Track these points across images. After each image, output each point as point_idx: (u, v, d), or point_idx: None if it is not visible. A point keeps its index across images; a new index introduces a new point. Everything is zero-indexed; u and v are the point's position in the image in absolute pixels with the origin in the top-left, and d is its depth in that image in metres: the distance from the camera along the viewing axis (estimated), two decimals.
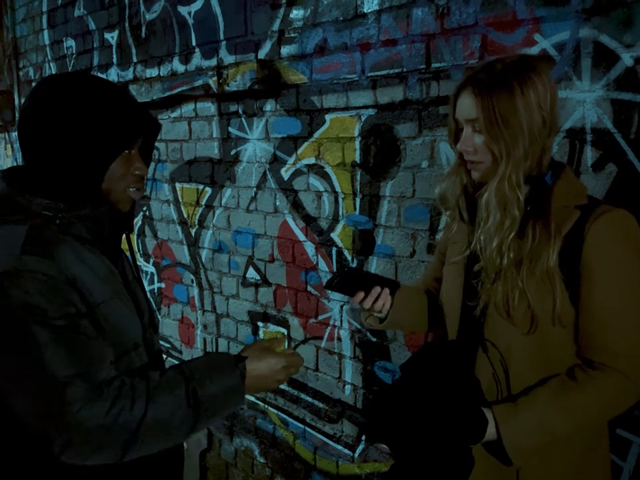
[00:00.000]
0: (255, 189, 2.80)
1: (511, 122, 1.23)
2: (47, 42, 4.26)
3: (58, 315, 1.13)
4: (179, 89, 3.01)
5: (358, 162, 2.31)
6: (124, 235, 1.41)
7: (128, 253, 1.50)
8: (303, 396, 2.73)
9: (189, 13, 2.99)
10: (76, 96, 1.22)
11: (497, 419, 1.25)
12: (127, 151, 1.27)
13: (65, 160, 1.21)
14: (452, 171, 1.41)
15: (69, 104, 1.21)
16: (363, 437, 2.47)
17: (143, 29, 3.31)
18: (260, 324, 2.90)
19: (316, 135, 2.47)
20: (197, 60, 2.98)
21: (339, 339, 2.51)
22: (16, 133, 1.32)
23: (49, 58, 4.26)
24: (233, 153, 2.89)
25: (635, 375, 1.23)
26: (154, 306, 3.57)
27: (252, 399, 3.00)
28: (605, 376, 1.23)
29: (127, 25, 3.44)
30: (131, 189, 1.31)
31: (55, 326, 1.12)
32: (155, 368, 1.42)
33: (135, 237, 3.66)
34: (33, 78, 4.50)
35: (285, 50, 2.51)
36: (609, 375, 1.23)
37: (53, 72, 4.20)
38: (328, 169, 2.44)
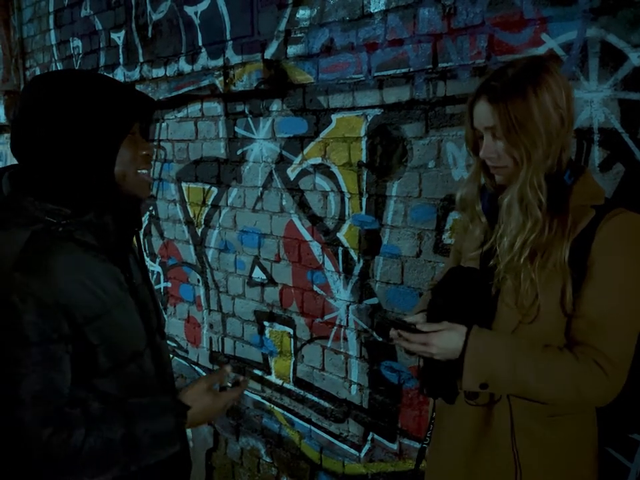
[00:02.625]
0: (261, 188, 2.80)
1: (527, 126, 1.24)
2: (53, 42, 4.27)
3: (37, 341, 1.12)
4: (186, 89, 3.02)
5: (364, 162, 2.31)
6: (134, 235, 1.41)
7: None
8: (308, 395, 2.73)
9: (196, 13, 2.99)
10: (71, 88, 1.21)
11: (472, 329, 1.31)
12: (130, 134, 1.27)
13: (74, 152, 1.20)
14: (471, 177, 1.45)
15: (66, 97, 1.19)
16: (369, 437, 2.47)
17: (150, 29, 3.32)
18: (266, 323, 2.90)
19: (322, 134, 2.47)
20: (203, 60, 2.98)
21: (345, 339, 2.51)
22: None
23: (56, 58, 4.27)
24: (239, 152, 2.89)
25: (612, 374, 1.24)
26: (161, 307, 3.57)
27: (258, 398, 3.01)
28: (586, 361, 1.25)
29: (133, 25, 3.45)
30: (142, 171, 1.31)
31: (31, 352, 1.12)
32: (163, 378, 1.42)
33: (142, 236, 3.67)
34: None
35: (292, 50, 2.51)
36: (589, 362, 1.25)
37: None
38: (334, 169, 2.44)
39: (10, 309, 1.11)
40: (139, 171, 1.30)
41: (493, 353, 1.28)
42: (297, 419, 2.81)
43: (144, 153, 1.31)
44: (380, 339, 2.35)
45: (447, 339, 1.30)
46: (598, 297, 1.24)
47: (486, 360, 1.27)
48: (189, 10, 3.03)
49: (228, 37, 2.82)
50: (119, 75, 3.60)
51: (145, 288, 1.44)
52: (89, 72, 1.33)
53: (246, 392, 3.07)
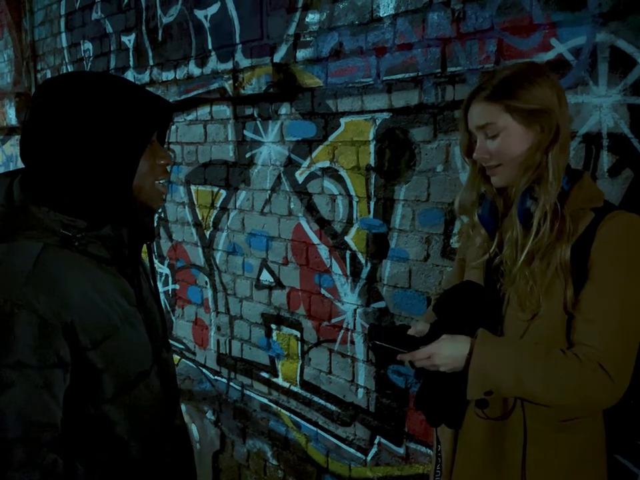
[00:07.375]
0: (269, 191, 2.81)
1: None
2: (64, 45, 4.30)
3: (35, 364, 1.05)
4: (195, 92, 3.03)
5: (372, 165, 2.32)
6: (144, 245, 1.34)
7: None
8: (315, 399, 2.73)
9: (205, 17, 3.01)
10: (86, 93, 1.12)
11: (478, 335, 1.31)
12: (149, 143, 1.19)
13: (90, 165, 1.11)
14: (469, 183, 1.46)
15: (81, 103, 1.11)
16: (376, 441, 2.47)
17: (160, 32, 3.34)
18: (273, 326, 2.91)
19: (331, 138, 2.47)
20: (212, 63, 3.00)
21: (352, 342, 2.51)
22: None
23: (67, 60, 4.30)
24: (247, 155, 2.90)
25: (616, 377, 1.22)
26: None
27: (265, 400, 3.01)
28: (590, 364, 1.24)
29: (143, 28, 3.47)
30: (159, 182, 1.25)
31: (26, 374, 1.05)
32: (169, 393, 1.37)
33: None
34: None
35: (301, 54, 2.52)
36: (593, 366, 1.23)
37: None
38: (342, 172, 2.45)
39: (13, 325, 1.05)
40: (156, 182, 1.24)
41: (499, 359, 1.27)
42: (303, 422, 2.81)
43: (162, 162, 1.24)
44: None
45: (450, 348, 1.30)
46: (597, 298, 1.24)
47: (492, 366, 1.27)
48: (199, 13, 3.04)
49: (237, 40, 2.84)
50: (129, 77, 3.62)
51: (153, 301, 1.39)
52: (103, 74, 1.22)
53: (253, 394, 3.08)
